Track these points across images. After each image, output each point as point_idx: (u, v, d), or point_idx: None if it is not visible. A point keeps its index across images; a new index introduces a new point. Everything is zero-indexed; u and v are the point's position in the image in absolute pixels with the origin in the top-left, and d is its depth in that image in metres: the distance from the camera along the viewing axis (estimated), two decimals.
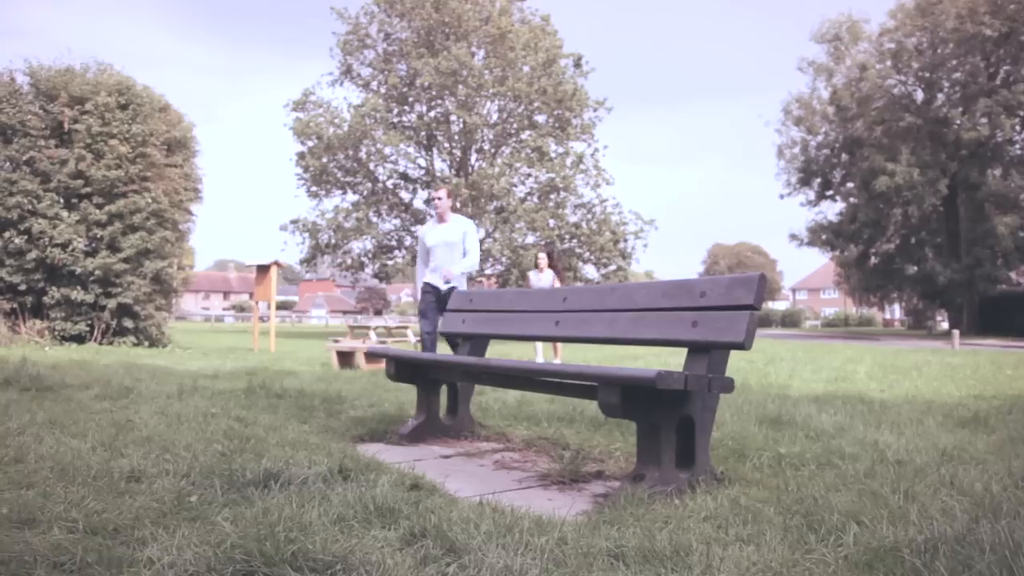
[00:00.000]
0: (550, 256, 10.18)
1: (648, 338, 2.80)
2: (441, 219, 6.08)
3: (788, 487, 2.43)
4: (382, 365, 6.70)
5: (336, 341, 10.45)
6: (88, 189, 12.04)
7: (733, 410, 4.36)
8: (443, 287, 5.68)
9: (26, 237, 11.63)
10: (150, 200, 12.19)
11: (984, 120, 30.86)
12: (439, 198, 6.11)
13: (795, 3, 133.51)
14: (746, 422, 3.99)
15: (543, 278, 9.80)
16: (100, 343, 11.71)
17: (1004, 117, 30.19)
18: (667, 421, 2.40)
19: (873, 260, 37.43)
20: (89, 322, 11.89)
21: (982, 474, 2.65)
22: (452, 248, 5.92)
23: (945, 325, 37.43)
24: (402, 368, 3.51)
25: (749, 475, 2.71)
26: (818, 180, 37.94)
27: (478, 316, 3.65)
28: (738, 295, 2.51)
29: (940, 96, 33.83)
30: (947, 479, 2.54)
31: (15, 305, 11.60)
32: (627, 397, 2.30)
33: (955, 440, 3.47)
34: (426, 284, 5.78)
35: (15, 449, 2.66)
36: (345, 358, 8.41)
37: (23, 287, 11.65)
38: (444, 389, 3.73)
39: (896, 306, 53.98)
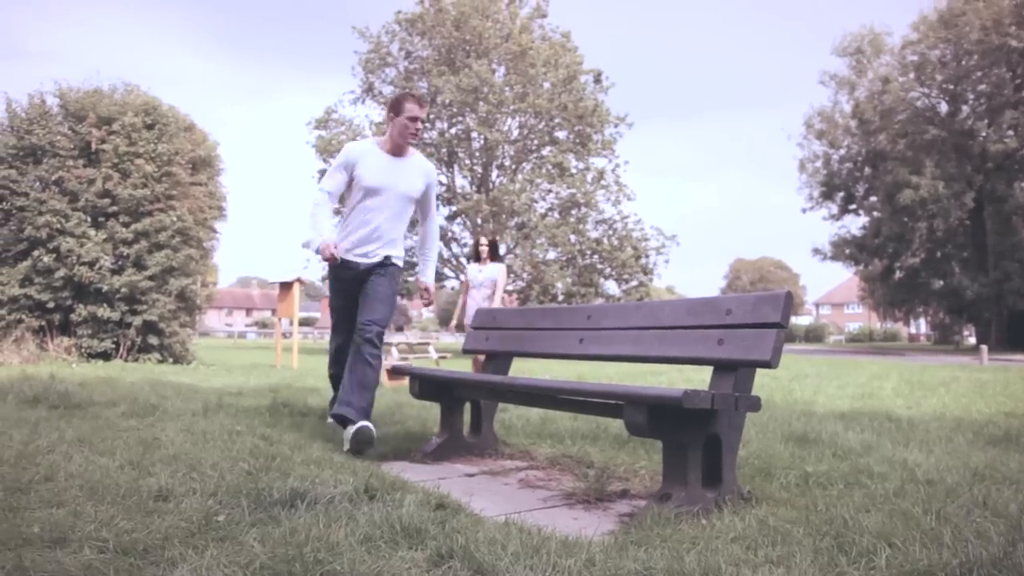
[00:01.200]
0: (493, 247, 8.41)
1: (674, 356, 2.78)
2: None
3: (817, 507, 2.39)
4: (404, 381, 6.72)
5: None
6: (115, 208, 12.24)
7: (759, 427, 4.32)
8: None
9: (55, 255, 11.82)
10: (175, 218, 12.37)
11: (1011, 132, 30.50)
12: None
13: (816, 17, 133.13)
14: (772, 440, 3.95)
15: (485, 271, 8.19)
16: (126, 360, 11.85)
17: None
18: (693, 440, 2.38)
19: (898, 274, 37.02)
20: (115, 339, 12.05)
21: (1016, 494, 2.59)
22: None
23: (972, 340, 36.82)
24: (426, 386, 3.51)
25: (776, 494, 2.67)
26: (841, 194, 37.67)
27: (501, 334, 3.65)
28: (764, 313, 2.49)
29: (965, 108, 33.50)
30: (980, 500, 2.49)
31: (43, 323, 11.79)
32: (653, 416, 2.28)
33: (986, 459, 3.41)
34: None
35: (45, 468, 2.70)
36: None
37: (51, 305, 11.83)
38: (467, 407, 3.73)
39: (922, 321, 53.25)
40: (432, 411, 4.37)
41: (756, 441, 3.86)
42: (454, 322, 8.92)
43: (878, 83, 33.66)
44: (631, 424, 2.34)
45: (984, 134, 31.42)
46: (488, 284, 8.07)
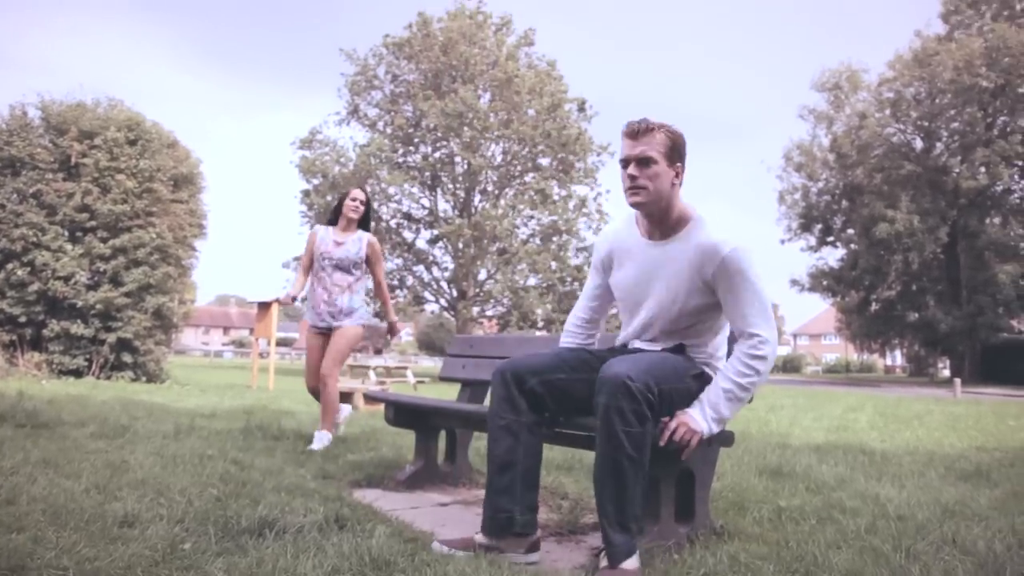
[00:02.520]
0: (367, 211, 4.89)
1: None
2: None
3: (788, 543, 2.39)
4: (380, 406, 6.67)
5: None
6: (93, 223, 12.12)
7: (734, 460, 4.33)
8: None
9: (29, 269, 11.67)
10: (154, 235, 12.27)
11: (983, 169, 31.18)
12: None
13: (796, 53, 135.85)
14: (746, 473, 3.96)
15: (348, 244, 4.78)
16: (98, 377, 11.67)
17: (1002, 167, 30.55)
18: (666, 474, 2.38)
19: (874, 306, 37.49)
20: (88, 356, 11.87)
21: (985, 531, 2.61)
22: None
23: (947, 372, 37.26)
24: (401, 413, 3.49)
25: (749, 529, 2.67)
26: (819, 226, 38.20)
27: (479, 362, 3.65)
28: None
29: (939, 145, 34.25)
30: (949, 537, 2.51)
31: (14, 337, 11.59)
32: None
33: (957, 494, 3.44)
34: None
35: (7, 490, 2.63)
36: (344, 399, 8.36)
37: (23, 319, 11.65)
38: (443, 435, 3.71)
39: (897, 353, 53.84)
40: (407, 438, 4.33)
41: (731, 474, 3.86)
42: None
43: (855, 118, 34.33)
44: None
45: (957, 171, 32.08)
46: (348, 263, 4.77)
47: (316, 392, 4.75)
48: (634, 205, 2.39)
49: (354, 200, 4.84)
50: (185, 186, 13.41)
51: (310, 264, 4.89)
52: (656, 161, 2.32)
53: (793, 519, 2.85)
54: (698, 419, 2.25)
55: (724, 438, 2.44)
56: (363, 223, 4.92)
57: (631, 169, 2.34)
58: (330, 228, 4.89)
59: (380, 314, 32.19)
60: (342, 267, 4.77)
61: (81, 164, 12.23)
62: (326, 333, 4.79)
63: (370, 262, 4.87)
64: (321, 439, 4.52)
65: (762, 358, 2.31)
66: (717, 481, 3.28)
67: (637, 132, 2.34)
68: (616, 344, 2.65)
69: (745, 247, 2.34)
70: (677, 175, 2.39)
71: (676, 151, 2.38)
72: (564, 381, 2.37)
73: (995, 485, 3.85)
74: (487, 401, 2.78)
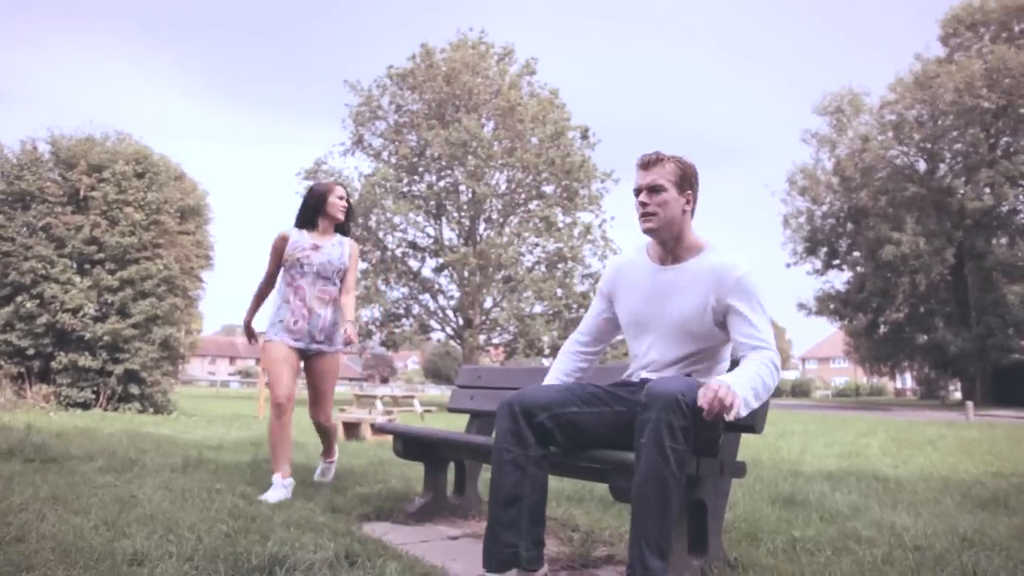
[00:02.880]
0: (348, 213, 4.24)
1: None
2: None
3: (804, 575, 2.36)
4: (388, 437, 6.64)
5: (342, 410, 10.38)
6: (101, 255, 12.19)
7: (745, 489, 4.28)
8: None
9: (38, 302, 11.71)
10: (162, 267, 12.32)
11: (987, 190, 31.23)
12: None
13: (797, 76, 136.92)
14: (759, 502, 3.91)
15: (329, 249, 4.10)
16: (105, 409, 11.65)
17: (1007, 187, 30.59)
18: (679, 506, 2.35)
19: (882, 329, 37.34)
20: (95, 388, 11.86)
21: (1007, 562, 2.58)
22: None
23: (958, 395, 36.95)
24: (410, 446, 3.47)
25: (763, 561, 2.64)
26: (824, 249, 38.21)
27: (487, 393, 3.63)
28: None
29: (942, 167, 34.35)
30: (970, 568, 2.47)
31: (22, 369, 11.61)
32: None
33: (975, 523, 3.39)
34: None
35: (17, 527, 2.62)
36: (351, 429, 8.34)
37: (31, 351, 11.67)
38: (452, 466, 3.69)
39: (907, 375, 53.46)
40: (416, 469, 4.31)
41: (743, 503, 3.82)
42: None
43: (858, 141, 34.49)
44: (615, 489, 2.32)
45: (962, 192, 32.13)
46: (332, 271, 4.09)
47: (285, 410, 3.96)
48: (646, 231, 2.47)
49: (340, 198, 4.14)
50: (192, 218, 13.49)
51: (275, 273, 4.16)
52: (666, 188, 2.42)
53: (808, 550, 2.81)
54: (735, 385, 2.14)
55: (736, 469, 2.42)
56: (340, 226, 4.24)
57: (642, 196, 2.45)
58: (303, 231, 4.11)
59: (388, 344, 31.73)
60: (324, 275, 4.04)
61: (90, 197, 12.33)
62: (304, 354, 4.08)
63: (347, 268, 4.16)
64: (327, 471, 4.39)
65: (777, 369, 2.31)
66: (729, 511, 3.24)
67: (648, 163, 2.46)
68: (624, 377, 2.63)
69: (755, 272, 2.42)
70: (688, 202, 2.48)
71: (686, 180, 2.47)
72: (575, 415, 2.36)
73: (1013, 513, 3.79)
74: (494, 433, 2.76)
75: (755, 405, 2.22)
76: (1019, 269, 31.62)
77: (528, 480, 2.29)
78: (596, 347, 2.73)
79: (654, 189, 2.42)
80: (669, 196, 2.42)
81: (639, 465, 2.11)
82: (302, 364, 4.13)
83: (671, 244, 2.48)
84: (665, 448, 2.06)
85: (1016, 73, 29.56)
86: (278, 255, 4.10)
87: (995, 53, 30.38)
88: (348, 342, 4.12)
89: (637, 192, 2.47)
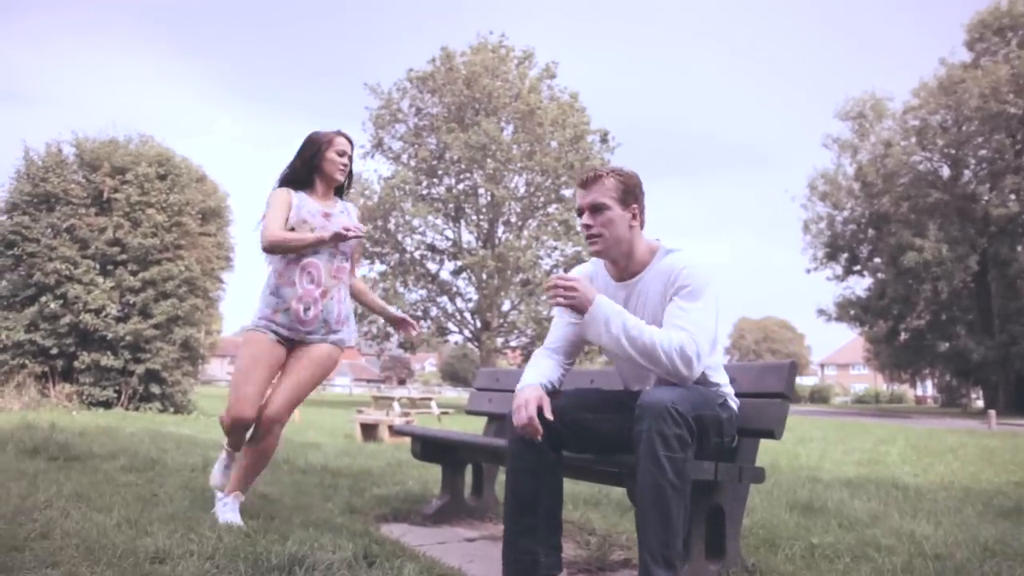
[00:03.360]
0: (349, 174, 3.35)
1: None
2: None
3: None
4: (406, 439, 6.67)
5: (360, 411, 10.44)
6: (124, 256, 12.34)
7: (763, 494, 4.26)
8: None
9: (62, 302, 11.89)
10: (183, 268, 12.46)
11: (1012, 196, 30.81)
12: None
13: (819, 81, 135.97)
14: (777, 508, 3.89)
15: (339, 218, 3.22)
16: (127, 408, 11.79)
17: None
18: (697, 511, 2.35)
19: (903, 336, 36.92)
20: (117, 387, 12.01)
21: None
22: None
23: (980, 403, 36.45)
24: (427, 448, 3.49)
25: (781, 567, 2.63)
26: (845, 255, 37.86)
27: (505, 396, 3.65)
28: (769, 383, 2.49)
29: (967, 173, 33.94)
30: None
31: (46, 368, 11.78)
32: None
33: (997, 533, 3.35)
34: None
35: (42, 524, 2.67)
36: (369, 431, 8.38)
37: (55, 351, 11.84)
38: (469, 468, 3.70)
39: (928, 383, 52.82)
40: (433, 471, 4.33)
41: (761, 509, 3.80)
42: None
43: (880, 147, 34.16)
44: (633, 493, 2.32)
45: (986, 198, 31.74)
46: (348, 244, 3.24)
47: (245, 426, 3.07)
48: (595, 254, 2.41)
49: (342, 154, 3.20)
50: (213, 219, 13.62)
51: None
52: (608, 207, 2.33)
53: (827, 557, 2.80)
54: (599, 300, 2.20)
55: (755, 475, 2.41)
56: (338, 189, 3.32)
57: (585, 218, 2.36)
58: (302, 194, 3.17)
59: (405, 346, 31.74)
60: (343, 250, 3.17)
61: (113, 199, 12.50)
62: (293, 344, 3.13)
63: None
64: (228, 510, 2.99)
65: (678, 348, 2.16)
66: (747, 517, 3.23)
67: (587, 181, 2.36)
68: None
69: (703, 264, 2.29)
70: (635, 216, 2.37)
71: (629, 193, 2.36)
72: (587, 420, 2.35)
73: None
74: None
75: (610, 317, 2.18)
76: None
77: (544, 486, 2.29)
78: (570, 359, 2.55)
79: (596, 209, 2.33)
80: (613, 214, 2.32)
81: (637, 478, 2.10)
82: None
83: (623, 261, 2.39)
84: (659, 457, 2.05)
85: None
86: (285, 210, 3.09)
87: (1022, 58, 29.98)
88: (407, 326, 3.45)
89: (580, 213, 2.39)
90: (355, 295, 3.41)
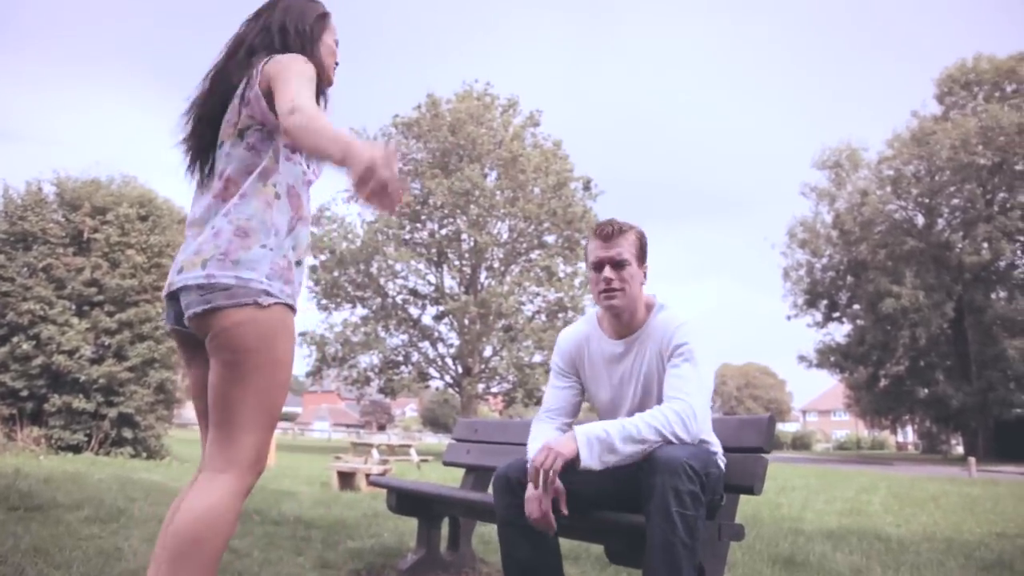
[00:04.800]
0: None
1: None
2: None
3: None
4: (383, 488, 6.53)
5: (338, 458, 10.26)
6: (101, 297, 12.18)
7: (745, 548, 4.19)
8: None
9: (34, 343, 11.67)
10: (161, 309, 12.31)
11: (985, 245, 31.41)
12: None
13: (796, 128, 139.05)
14: (758, 562, 3.83)
15: None
16: (97, 453, 11.49)
17: (1004, 242, 30.78)
18: (693, 573, 2.29)
19: (883, 382, 37.14)
20: (88, 431, 11.73)
21: None
22: None
23: (960, 449, 36.55)
24: (403, 500, 3.41)
25: None
26: (824, 302, 38.23)
27: (483, 447, 3.58)
28: (747, 437, 2.46)
29: (940, 221, 34.63)
30: None
31: (14, 411, 11.49)
32: (635, 546, 2.20)
33: None
34: None
35: None
36: (346, 479, 8.22)
37: (25, 393, 11.58)
38: (446, 521, 3.62)
39: (909, 429, 52.97)
40: (409, 523, 4.22)
41: (742, 564, 3.74)
42: None
43: (857, 195, 34.81)
44: (611, 552, 2.27)
45: (960, 246, 32.31)
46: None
47: None
48: (609, 308, 2.36)
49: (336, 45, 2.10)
50: None
51: None
52: (630, 263, 2.33)
53: None
54: (566, 441, 2.10)
55: (734, 532, 2.36)
56: None
57: (607, 272, 2.32)
58: None
59: (386, 390, 31.77)
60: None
61: (92, 239, 12.38)
62: None
63: None
64: None
65: (673, 418, 2.13)
66: (729, 572, 3.17)
67: (610, 234, 2.35)
68: None
69: (695, 323, 2.30)
70: (644, 275, 2.42)
71: (643, 251, 2.41)
72: (573, 478, 2.29)
73: None
74: (490, 489, 2.70)
75: (598, 455, 2.09)
76: (1019, 323, 31.55)
77: (540, 548, 2.25)
78: (571, 419, 2.52)
79: (618, 264, 2.32)
80: (633, 271, 2.33)
81: (648, 533, 2.05)
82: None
83: (627, 317, 2.38)
84: (672, 514, 2.00)
85: (1010, 131, 30.01)
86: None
87: (989, 112, 30.89)
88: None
89: (599, 266, 2.35)
90: None
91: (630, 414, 2.28)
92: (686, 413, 2.14)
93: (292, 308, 1.80)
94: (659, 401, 2.26)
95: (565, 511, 2.15)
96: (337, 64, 2.10)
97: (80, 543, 3.41)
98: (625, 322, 2.40)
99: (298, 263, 1.87)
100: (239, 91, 1.84)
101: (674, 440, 2.13)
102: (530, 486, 2.16)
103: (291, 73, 1.75)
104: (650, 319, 2.38)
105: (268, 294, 1.72)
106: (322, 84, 1.98)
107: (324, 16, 2.04)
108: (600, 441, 2.11)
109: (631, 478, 2.14)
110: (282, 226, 1.80)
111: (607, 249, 2.33)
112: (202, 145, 1.91)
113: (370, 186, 1.52)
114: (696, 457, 2.08)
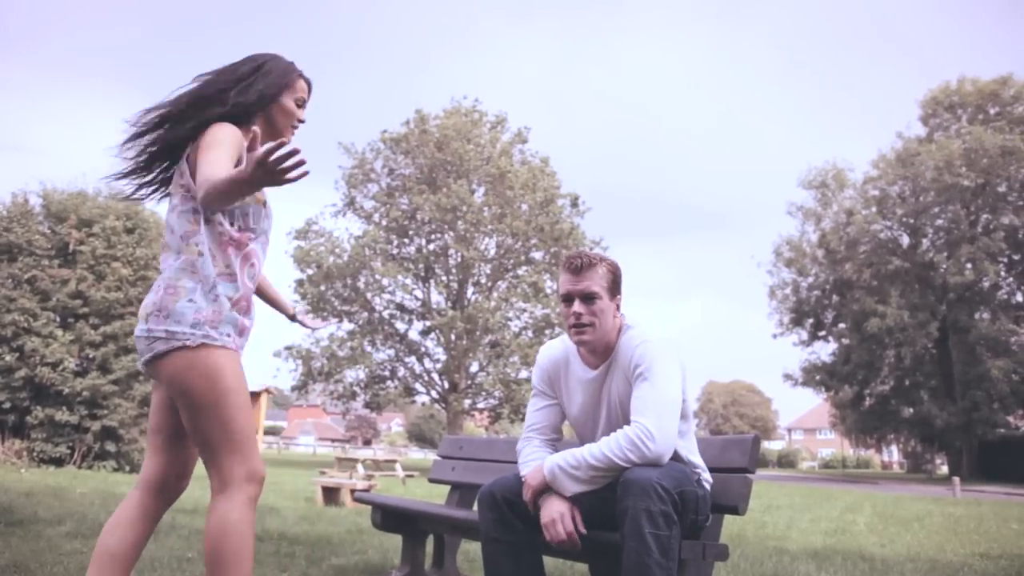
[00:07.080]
0: None
1: None
2: None
3: None
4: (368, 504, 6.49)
5: (323, 473, 10.19)
6: (86, 309, 12.11)
7: (729, 568, 4.20)
8: None
9: (18, 355, 11.57)
10: None
11: (969, 265, 31.72)
12: None
13: (783, 147, 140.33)
14: None
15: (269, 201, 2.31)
16: (79, 467, 11.38)
17: (987, 263, 31.07)
18: None
19: (868, 401, 37.27)
20: (71, 444, 11.61)
21: None
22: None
23: (945, 468, 36.73)
24: (388, 517, 3.40)
25: None
26: (810, 320, 38.41)
27: (468, 465, 3.59)
28: (731, 457, 2.48)
29: (925, 241, 34.96)
30: None
31: None
32: (618, 565, 2.21)
33: None
34: None
35: None
36: (331, 494, 8.16)
37: (7, 405, 11.47)
38: (431, 538, 3.61)
39: (894, 448, 53.20)
40: (394, 540, 4.21)
41: None
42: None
43: (842, 215, 35.11)
44: (595, 571, 2.27)
45: (944, 266, 32.61)
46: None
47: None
48: (580, 343, 2.35)
49: (301, 105, 2.25)
50: None
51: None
52: (600, 296, 2.30)
53: None
54: (535, 473, 2.22)
55: (718, 552, 2.38)
56: None
57: (576, 306, 2.30)
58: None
59: (372, 405, 31.57)
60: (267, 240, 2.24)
61: (78, 251, 12.32)
62: None
63: None
64: None
65: (635, 440, 2.13)
66: None
67: (580, 267, 2.31)
68: None
69: (657, 342, 2.27)
70: (617, 307, 2.38)
71: (616, 284, 2.37)
72: None
73: None
74: (475, 506, 2.71)
75: (563, 484, 2.16)
76: (1002, 344, 31.83)
77: (524, 565, 2.25)
78: (555, 436, 2.52)
79: (588, 298, 2.28)
80: (603, 304, 2.29)
81: (623, 555, 2.05)
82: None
83: (600, 349, 2.36)
84: (645, 535, 2.01)
85: (992, 153, 30.44)
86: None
87: (972, 134, 31.32)
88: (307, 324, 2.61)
89: (568, 299, 2.32)
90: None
91: (606, 432, 2.31)
92: (640, 435, 2.13)
93: (226, 348, 1.98)
94: (628, 423, 2.25)
95: (583, 529, 2.16)
96: (302, 122, 2.24)
97: (61, 558, 3.38)
98: (599, 353, 2.39)
99: (242, 311, 2.06)
100: (185, 154, 2.08)
101: (627, 465, 2.12)
102: (544, 511, 2.18)
103: (209, 149, 1.94)
104: (622, 343, 2.35)
105: (201, 338, 1.94)
106: (277, 139, 1.93)
107: (289, 83, 2.18)
108: (562, 470, 2.17)
109: (612, 498, 2.15)
110: (208, 281, 2.00)
111: (576, 283, 2.31)
112: (148, 177, 2.23)
113: (269, 169, 1.64)
114: (668, 476, 2.09)
